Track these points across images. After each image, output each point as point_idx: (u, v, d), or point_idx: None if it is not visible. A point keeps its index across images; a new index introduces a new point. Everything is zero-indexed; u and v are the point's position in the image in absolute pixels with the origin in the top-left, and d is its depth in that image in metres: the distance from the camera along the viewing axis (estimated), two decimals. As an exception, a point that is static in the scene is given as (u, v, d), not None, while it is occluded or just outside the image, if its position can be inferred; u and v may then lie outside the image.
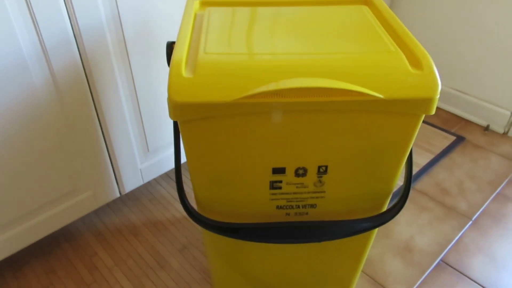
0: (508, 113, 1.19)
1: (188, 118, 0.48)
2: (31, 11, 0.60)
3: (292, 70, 0.47)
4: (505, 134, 1.23)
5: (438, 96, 0.48)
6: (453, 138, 1.20)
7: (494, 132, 1.24)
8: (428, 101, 0.48)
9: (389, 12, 0.61)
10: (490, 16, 1.13)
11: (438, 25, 1.25)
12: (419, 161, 1.11)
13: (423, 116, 0.50)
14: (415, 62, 0.49)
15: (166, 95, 0.85)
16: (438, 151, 1.15)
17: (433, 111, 0.49)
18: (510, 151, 1.16)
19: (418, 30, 1.30)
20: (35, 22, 0.61)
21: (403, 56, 0.50)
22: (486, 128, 1.25)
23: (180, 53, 0.50)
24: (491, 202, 0.99)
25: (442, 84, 1.32)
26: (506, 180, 1.06)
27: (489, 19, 1.13)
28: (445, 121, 1.29)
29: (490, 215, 0.96)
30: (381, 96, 0.47)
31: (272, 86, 0.46)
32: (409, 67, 0.48)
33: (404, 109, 0.48)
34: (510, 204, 0.99)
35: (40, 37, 0.63)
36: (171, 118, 0.48)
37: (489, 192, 1.02)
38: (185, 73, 0.47)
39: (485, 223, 0.94)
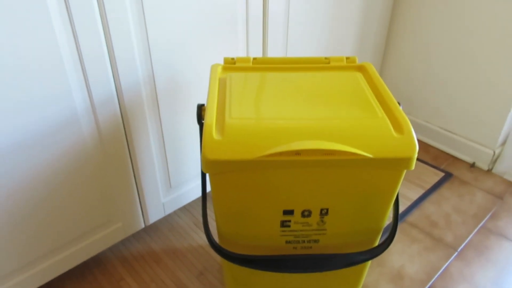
0: (492, 152, 1.32)
1: (217, 171, 0.60)
2: (85, 73, 0.73)
3: (299, 133, 0.60)
4: (489, 171, 1.35)
5: (416, 156, 0.60)
6: (442, 174, 1.32)
7: (480, 169, 1.36)
8: (408, 159, 0.60)
9: (379, 79, 0.74)
10: (475, 67, 1.27)
11: (430, 71, 1.39)
12: (411, 196, 1.23)
13: (405, 170, 0.63)
14: (398, 127, 0.62)
15: (187, 141, 0.98)
16: (428, 186, 1.27)
17: (412, 167, 0.61)
18: (493, 187, 1.28)
19: (411, 75, 1.44)
20: (87, 82, 0.74)
21: (388, 122, 0.62)
22: (472, 165, 1.37)
23: (211, 118, 0.63)
24: (475, 234, 1.11)
25: (432, 124, 1.45)
26: (489, 214, 1.17)
27: (474, 68, 1.27)
28: (435, 157, 1.41)
29: (474, 247, 1.07)
30: (370, 155, 0.59)
31: (284, 148, 0.58)
32: (393, 132, 0.61)
33: (389, 166, 0.61)
34: (492, 237, 1.10)
35: (90, 94, 0.76)
36: (204, 171, 0.61)
37: (473, 225, 1.13)
38: (215, 135, 0.60)
39: (469, 254, 1.05)
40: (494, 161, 1.34)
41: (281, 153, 0.59)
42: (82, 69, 0.73)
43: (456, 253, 1.05)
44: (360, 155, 0.59)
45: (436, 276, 0.99)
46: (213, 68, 0.78)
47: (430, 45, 1.35)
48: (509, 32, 1.15)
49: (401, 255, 1.04)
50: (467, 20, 1.23)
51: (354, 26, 1.24)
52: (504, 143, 1.34)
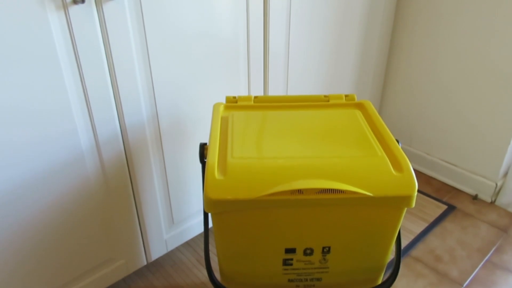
0: (494, 184, 1.32)
1: (219, 210, 0.61)
2: (90, 112, 0.75)
3: (300, 172, 0.61)
4: (492, 203, 1.35)
5: (415, 194, 0.61)
6: (445, 207, 1.32)
7: (483, 201, 1.36)
8: (407, 198, 0.61)
9: (378, 117, 0.76)
10: (474, 100, 1.29)
11: (429, 105, 1.41)
12: (414, 229, 1.23)
13: (405, 208, 0.63)
14: (397, 165, 0.63)
15: (190, 179, 0.99)
16: (431, 219, 1.27)
17: (413, 205, 0.62)
18: (497, 219, 1.27)
19: (411, 109, 1.47)
20: (93, 122, 0.76)
21: (388, 160, 0.63)
22: (475, 197, 1.37)
23: (213, 158, 0.64)
24: (481, 269, 1.09)
25: (433, 156, 1.46)
26: (494, 248, 1.16)
27: (473, 103, 1.29)
28: (437, 190, 1.41)
29: (480, 282, 1.05)
30: (370, 194, 0.60)
31: (285, 187, 0.59)
32: (392, 170, 0.62)
33: (389, 204, 0.61)
34: (498, 271, 1.09)
35: (96, 134, 0.78)
36: (206, 211, 0.61)
37: (478, 260, 1.12)
38: (217, 175, 0.61)
39: (475, 289, 1.03)
40: (497, 193, 1.34)
41: (282, 192, 0.59)
42: (88, 109, 0.75)
43: (462, 288, 1.04)
44: (360, 193, 0.60)
45: (442, 313, 0.97)
46: (215, 107, 0.80)
47: (428, 80, 1.37)
48: (506, 65, 1.18)
49: (406, 291, 1.02)
50: (464, 55, 1.26)
51: (353, 64, 1.28)
52: (505, 174, 1.34)
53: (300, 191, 0.60)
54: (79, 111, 0.74)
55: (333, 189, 0.60)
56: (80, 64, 0.70)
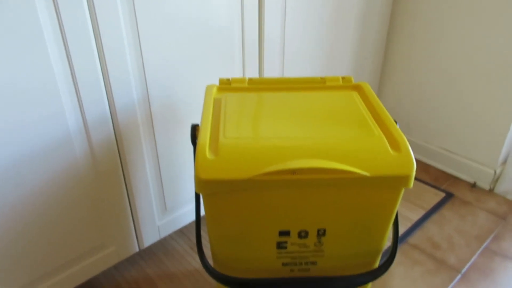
0: (492, 171, 1.30)
1: (211, 191, 0.59)
2: (78, 93, 0.73)
3: (295, 152, 0.59)
4: (491, 190, 1.33)
5: (414, 174, 0.59)
6: (443, 194, 1.30)
7: (481, 189, 1.34)
8: (405, 177, 0.59)
9: (375, 98, 0.73)
10: (474, 87, 1.27)
11: (428, 91, 1.39)
12: (412, 217, 1.21)
13: (403, 188, 0.61)
14: (395, 144, 0.61)
15: (183, 163, 0.97)
16: (429, 207, 1.25)
17: (411, 185, 0.60)
18: (496, 207, 1.26)
19: (409, 95, 1.44)
20: (81, 103, 0.74)
21: (385, 140, 0.61)
22: (473, 185, 1.35)
23: (204, 137, 0.62)
24: (479, 256, 1.08)
25: (432, 144, 1.44)
26: (492, 235, 1.15)
27: (473, 90, 1.27)
28: (435, 178, 1.39)
29: (478, 269, 1.04)
30: (367, 174, 0.58)
31: (279, 167, 0.57)
32: (390, 150, 0.60)
33: (386, 184, 0.59)
34: (497, 258, 1.07)
35: (84, 115, 0.75)
36: (197, 191, 0.59)
37: (476, 247, 1.11)
38: (209, 155, 0.59)
39: (473, 276, 1.02)
40: (496, 181, 1.32)
41: (276, 172, 0.57)
42: (76, 89, 0.72)
43: (459, 275, 1.02)
44: (357, 173, 0.58)
45: (440, 300, 0.95)
46: (208, 88, 0.78)
47: (427, 65, 1.35)
48: (506, 51, 1.16)
49: (404, 279, 1.01)
50: (465, 40, 1.24)
51: (351, 47, 1.25)
52: (505, 162, 1.32)
53: (294, 172, 0.58)
54: (66, 92, 0.71)
55: (328, 169, 0.58)
56: (67, 43, 0.67)
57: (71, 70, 0.70)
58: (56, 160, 0.74)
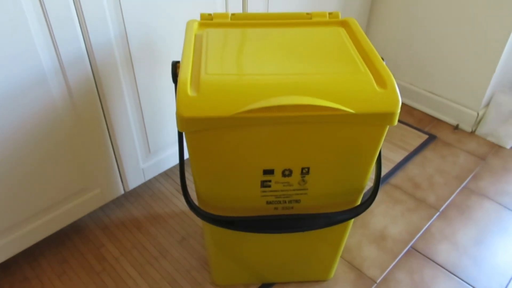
0: (475, 113, 1.32)
1: (193, 129, 0.57)
2: (51, 30, 0.69)
3: (279, 89, 0.57)
4: (472, 132, 1.35)
5: (399, 111, 0.58)
6: (426, 136, 1.32)
7: (463, 131, 1.36)
8: (390, 115, 0.58)
9: (362, 34, 0.71)
10: (460, 29, 1.24)
11: (415, 31, 1.36)
12: (394, 158, 1.23)
13: (388, 126, 0.61)
14: (381, 81, 0.59)
15: (165, 104, 0.94)
16: (411, 148, 1.27)
17: (395, 123, 0.59)
18: (476, 148, 1.28)
19: (397, 36, 1.41)
20: (54, 40, 0.70)
21: (371, 77, 0.60)
22: (456, 127, 1.37)
23: (185, 74, 0.59)
24: (457, 195, 1.11)
25: (417, 86, 1.44)
26: (471, 175, 1.18)
27: (460, 30, 1.25)
28: (419, 120, 1.40)
29: (455, 207, 1.08)
30: (352, 111, 0.57)
31: (262, 104, 0.55)
32: (376, 86, 0.59)
33: (371, 121, 0.59)
34: (474, 196, 1.11)
35: (58, 53, 0.71)
36: (179, 130, 0.58)
37: (455, 186, 1.14)
38: (190, 92, 0.57)
39: (450, 213, 1.06)
40: (478, 123, 1.34)
41: (259, 109, 0.56)
42: (48, 25, 0.68)
43: (438, 213, 1.06)
44: (341, 110, 0.57)
45: (418, 236, 0.99)
46: (189, 24, 0.74)
47: (416, 4, 1.31)
48: (496, -11, 1.13)
49: (384, 217, 1.04)
50: (454, -23, 1.19)
51: (338, -16, 1.20)
52: (487, 105, 1.33)
53: (278, 109, 0.56)
54: (38, 27, 0.67)
55: (313, 106, 0.56)
56: (33, -30, 0.62)
57: (41, 3, 0.65)
58: (32, 101, 0.71)
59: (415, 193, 1.12)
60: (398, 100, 0.58)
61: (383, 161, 1.22)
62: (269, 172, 0.65)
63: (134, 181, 0.98)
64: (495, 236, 1.00)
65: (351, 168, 0.67)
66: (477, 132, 1.34)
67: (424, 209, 1.07)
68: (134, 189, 1.10)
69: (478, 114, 1.31)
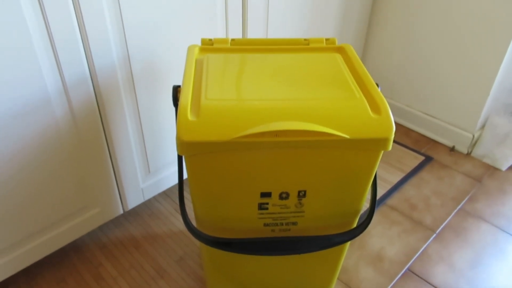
0: (471, 135, 1.33)
1: (192, 153, 0.59)
2: (55, 52, 0.71)
3: (277, 114, 0.59)
4: (468, 154, 1.37)
5: (393, 136, 0.60)
6: (422, 158, 1.34)
7: (459, 153, 1.37)
8: (384, 140, 0.60)
9: (358, 60, 0.73)
10: (455, 52, 1.27)
11: (411, 55, 1.39)
12: (391, 179, 1.24)
13: (382, 151, 0.62)
14: (375, 107, 0.61)
15: (165, 125, 0.96)
16: (408, 169, 1.28)
17: (389, 148, 0.61)
18: (472, 170, 1.30)
19: (393, 59, 1.44)
20: (59, 63, 0.72)
21: (366, 103, 0.62)
22: (452, 149, 1.39)
23: (186, 99, 0.61)
24: (453, 216, 1.12)
25: (413, 108, 1.46)
26: (468, 197, 1.19)
27: (454, 53, 1.28)
28: (415, 141, 1.42)
29: (452, 229, 1.08)
30: (347, 136, 0.58)
31: (260, 129, 0.57)
32: (370, 112, 0.60)
33: (366, 146, 0.60)
34: (470, 218, 1.12)
35: (62, 76, 0.73)
36: (179, 153, 0.59)
37: (452, 208, 1.15)
38: (190, 116, 0.58)
39: (447, 235, 1.06)
40: (473, 145, 1.35)
41: (257, 134, 0.58)
42: (53, 47, 0.70)
43: (434, 235, 1.06)
44: (337, 135, 0.58)
45: (414, 258, 1.00)
46: (190, 49, 0.76)
47: (412, 29, 1.34)
48: (489, 18, 1.16)
49: (381, 238, 1.05)
50: (449, 6, 1.23)
51: (336, 7, 1.23)
52: (482, 127, 1.35)
53: (275, 134, 0.58)
54: (43, 49, 0.69)
55: (309, 131, 0.58)
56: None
57: (47, 28, 0.67)
58: (36, 122, 0.73)
59: (412, 214, 1.12)
60: (392, 126, 0.59)
61: (380, 182, 1.23)
62: (266, 195, 0.66)
63: (133, 201, 0.99)
64: (491, 258, 1.00)
65: (347, 191, 0.68)
66: (473, 154, 1.36)
67: (420, 231, 1.07)
68: (133, 209, 1.10)
69: (473, 136, 1.33)
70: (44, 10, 0.66)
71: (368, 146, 0.60)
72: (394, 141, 1.41)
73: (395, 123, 1.53)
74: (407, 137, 1.44)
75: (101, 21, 0.73)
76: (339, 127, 0.58)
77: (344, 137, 0.58)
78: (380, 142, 0.60)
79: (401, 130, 1.48)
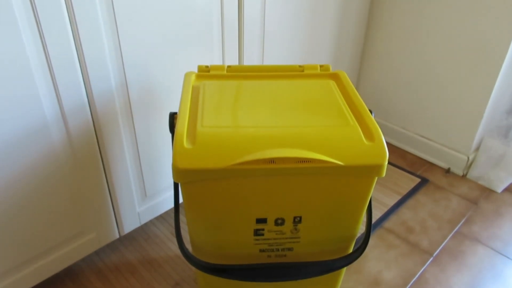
0: (466, 157, 1.34)
1: (188, 180, 0.59)
2: (54, 80, 0.72)
3: (271, 141, 0.60)
4: (464, 176, 1.37)
5: (386, 163, 0.61)
6: (418, 180, 1.34)
7: (455, 175, 1.38)
8: (378, 167, 0.61)
9: (352, 87, 0.75)
10: (449, 75, 1.29)
11: (405, 79, 1.41)
12: (388, 202, 1.24)
13: (376, 178, 0.63)
14: (369, 134, 0.62)
15: (162, 150, 0.97)
16: (404, 192, 1.29)
17: (383, 175, 0.62)
18: (468, 192, 1.30)
19: (388, 82, 1.46)
20: (56, 88, 0.73)
21: (359, 130, 0.63)
22: (448, 171, 1.39)
23: (182, 126, 0.62)
24: (450, 239, 1.12)
25: (409, 130, 1.47)
26: (464, 219, 1.19)
27: (448, 78, 1.30)
28: (411, 164, 1.43)
29: (448, 252, 1.08)
30: (341, 163, 0.59)
31: (255, 156, 0.58)
32: (364, 139, 0.61)
33: (360, 173, 0.61)
34: (467, 241, 1.12)
35: (60, 101, 0.74)
36: (175, 181, 0.60)
37: (448, 231, 1.15)
38: (186, 144, 0.59)
39: (444, 259, 1.06)
40: (469, 167, 1.36)
41: (252, 162, 0.58)
42: (51, 74, 0.71)
43: (431, 258, 1.06)
44: (331, 162, 0.59)
45: (412, 282, 0.99)
46: (187, 76, 0.78)
47: (405, 54, 1.37)
48: (479, 42, 1.18)
49: (378, 262, 1.04)
50: (441, 30, 1.26)
51: (331, 35, 1.26)
52: (477, 149, 1.36)
53: (271, 161, 0.59)
54: (41, 75, 0.70)
55: (304, 158, 0.59)
56: (40, 25, 0.66)
57: (45, 54, 0.69)
58: (33, 147, 0.74)
59: (408, 237, 1.12)
60: (385, 153, 0.60)
61: (376, 204, 1.23)
62: (262, 221, 0.66)
63: (129, 225, 0.99)
64: (488, 282, 1.00)
65: (342, 216, 0.68)
66: (468, 176, 1.37)
67: (417, 254, 1.07)
68: (129, 233, 1.10)
69: (468, 158, 1.34)
70: (43, 37, 0.67)
71: (362, 173, 0.61)
72: (390, 163, 1.42)
73: (391, 145, 1.54)
74: (403, 159, 1.45)
75: (99, 48, 0.75)
76: (333, 154, 0.59)
77: (339, 164, 0.59)
78: (374, 169, 0.61)
79: (396, 152, 1.49)
